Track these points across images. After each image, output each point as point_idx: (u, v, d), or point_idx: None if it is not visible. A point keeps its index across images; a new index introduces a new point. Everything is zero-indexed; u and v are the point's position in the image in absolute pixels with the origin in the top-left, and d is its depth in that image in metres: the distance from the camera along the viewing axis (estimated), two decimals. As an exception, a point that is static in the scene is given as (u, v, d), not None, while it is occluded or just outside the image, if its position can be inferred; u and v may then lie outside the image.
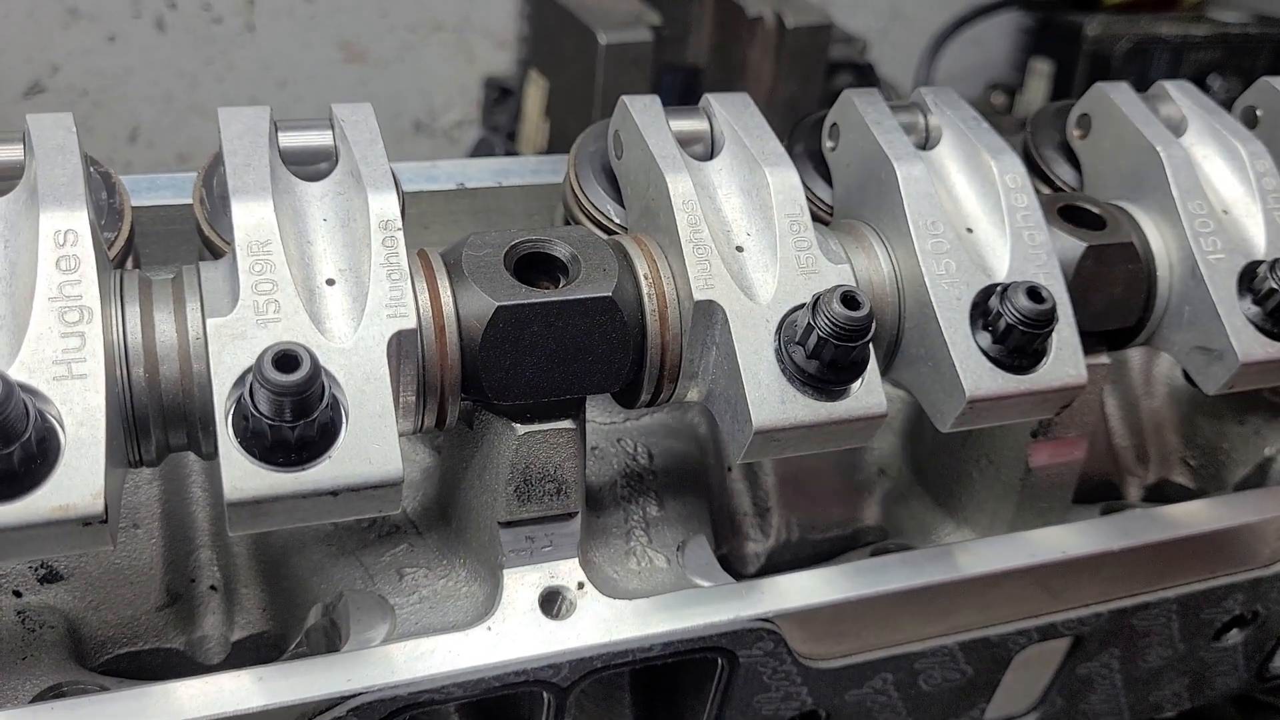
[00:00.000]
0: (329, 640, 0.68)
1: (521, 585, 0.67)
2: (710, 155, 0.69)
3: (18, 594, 0.70)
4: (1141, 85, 2.64)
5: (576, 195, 0.74)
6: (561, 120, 1.41)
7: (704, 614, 0.68)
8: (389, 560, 0.70)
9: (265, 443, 0.53)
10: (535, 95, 2.00)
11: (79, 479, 0.51)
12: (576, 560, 0.68)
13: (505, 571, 0.67)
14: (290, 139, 0.63)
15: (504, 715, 0.78)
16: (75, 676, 0.67)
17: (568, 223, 0.77)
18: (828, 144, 0.76)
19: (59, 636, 0.69)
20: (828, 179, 0.77)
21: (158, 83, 1.90)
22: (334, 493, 0.55)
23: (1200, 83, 2.43)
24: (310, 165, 0.63)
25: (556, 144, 1.87)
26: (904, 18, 2.44)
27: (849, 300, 0.60)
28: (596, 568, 0.70)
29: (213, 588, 0.75)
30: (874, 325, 0.61)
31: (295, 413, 0.52)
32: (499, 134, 2.03)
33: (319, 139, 0.63)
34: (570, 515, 0.67)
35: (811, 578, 0.71)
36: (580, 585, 0.67)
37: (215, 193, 0.67)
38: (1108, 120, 0.79)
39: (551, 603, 0.67)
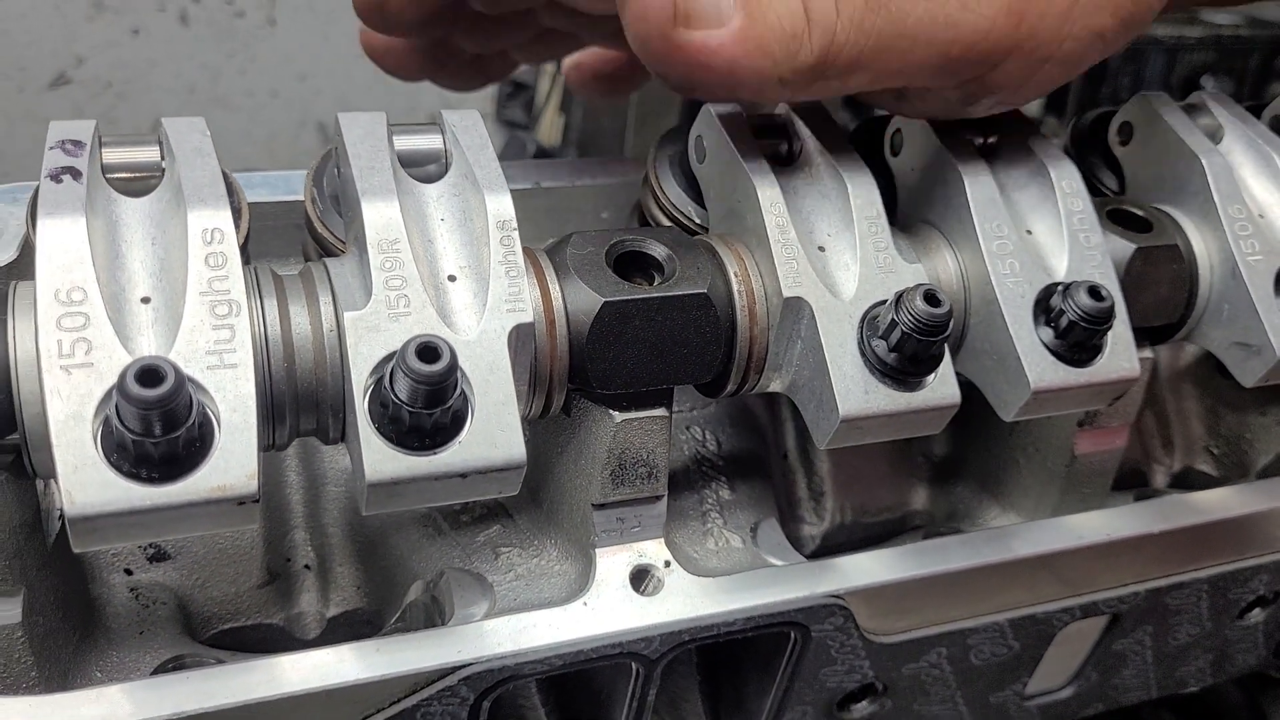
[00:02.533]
0: (429, 616, 0.72)
1: (613, 564, 0.71)
2: (790, 162, 0.73)
3: (129, 572, 0.74)
4: (1136, 86, 2.71)
5: (657, 196, 0.78)
6: (595, 120, 1.44)
7: (780, 591, 0.73)
8: (484, 540, 0.74)
9: (402, 428, 0.57)
10: (546, 88, 2.04)
11: (234, 461, 0.55)
12: (663, 540, 0.72)
13: (597, 551, 0.71)
14: (404, 142, 0.66)
15: (578, 690, 0.83)
16: (191, 649, 0.71)
17: (644, 222, 0.81)
18: (890, 151, 0.80)
19: (171, 612, 0.73)
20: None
21: (180, 75, 1.93)
22: (463, 475, 0.59)
23: (1193, 84, 2.50)
24: (420, 167, 0.67)
25: (570, 138, 1.92)
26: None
27: (931, 298, 0.65)
28: (679, 548, 0.74)
29: (307, 566, 0.79)
30: (952, 322, 0.65)
31: (433, 400, 0.56)
32: (515, 128, 2.07)
33: (429, 142, 0.67)
34: (658, 498, 0.72)
35: (877, 558, 0.76)
36: (667, 564, 0.72)
37: (326, 191, 0.71)
38: (1150, 128, 0.84)
39: (641, 580, 0.71)
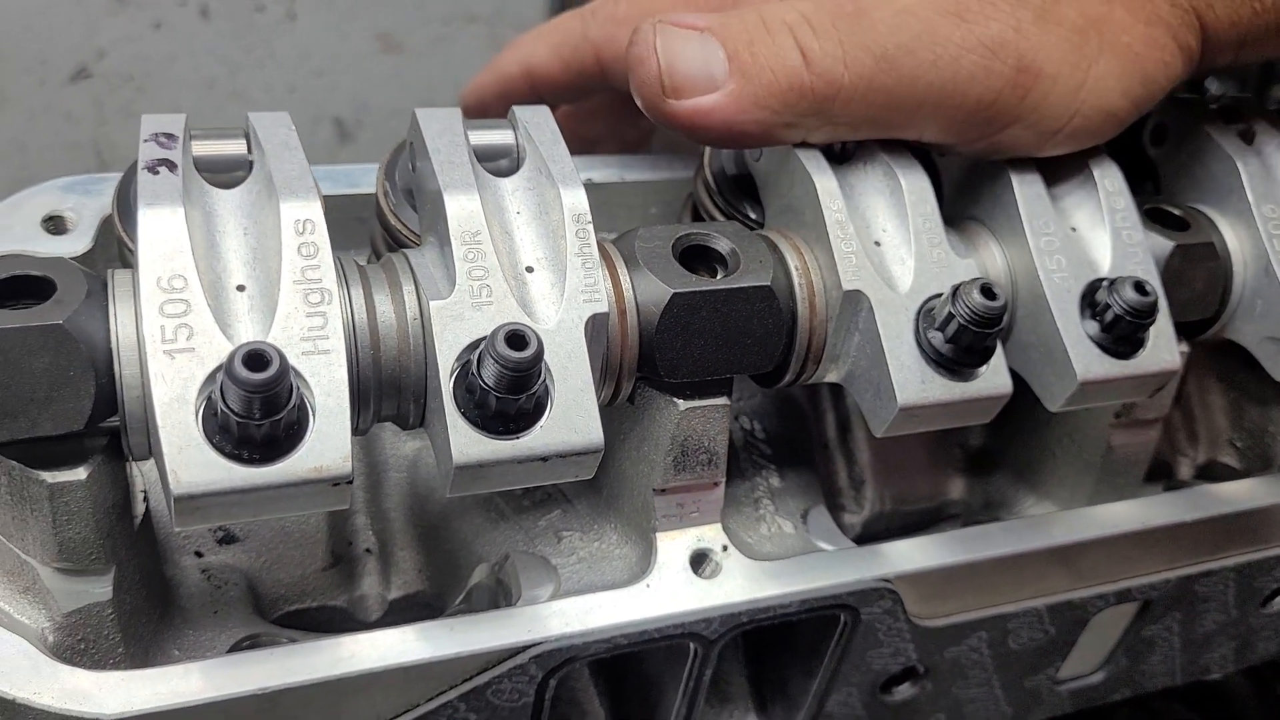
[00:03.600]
0: (494, 598, 0.74)
1: (673, 547, 0.73)
2: (845, 159, 0.76)
3: (199, 554, 0.76)
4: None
5: (712, 192, 0.80)
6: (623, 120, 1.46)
7: (832, 575, 0.75)
8: (545, 525, 0.76)
9: (487, 413, 0.59)
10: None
11: (330, 444, 0.57)
12: (720, 525, 0.75)
13: (657, 535, 0.73)
14: (477, 137, 0.68)
15: (629, 674, 0.85)
16: (264, 629, 0.73)
17: (698, 217, 0.83)
18: (937, 150, 0.82)
19: (241, 593, 0.75)
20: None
21: (200, 69, 1.94)
22: (544, 458, 0.61)
23: (1197, 84, 2.53)
24: (493, 161, 0.69)
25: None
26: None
27: (987, 291, 0.67)
28: (734, 533, 0.76)
29: (368, 550, 0.81)
30: (1007, 314, 0.68)
31: (518, 386, 0.59)
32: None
33: (502, 137, 0.69)
34: (716, 484, 0.74)
35: (924, 543, 0.79)
36: (724, 548, 0.74)
37: (398, 185, 0.73)
38: (1185, 131, 0.87)
39: (700, 563, 0.73)
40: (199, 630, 0.72)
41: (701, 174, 0.81)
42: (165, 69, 1.91)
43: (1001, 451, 0.94)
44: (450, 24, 2.09)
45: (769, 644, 0.87)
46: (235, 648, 0.71)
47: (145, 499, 0.67)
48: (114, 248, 0.75)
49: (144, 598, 0.68)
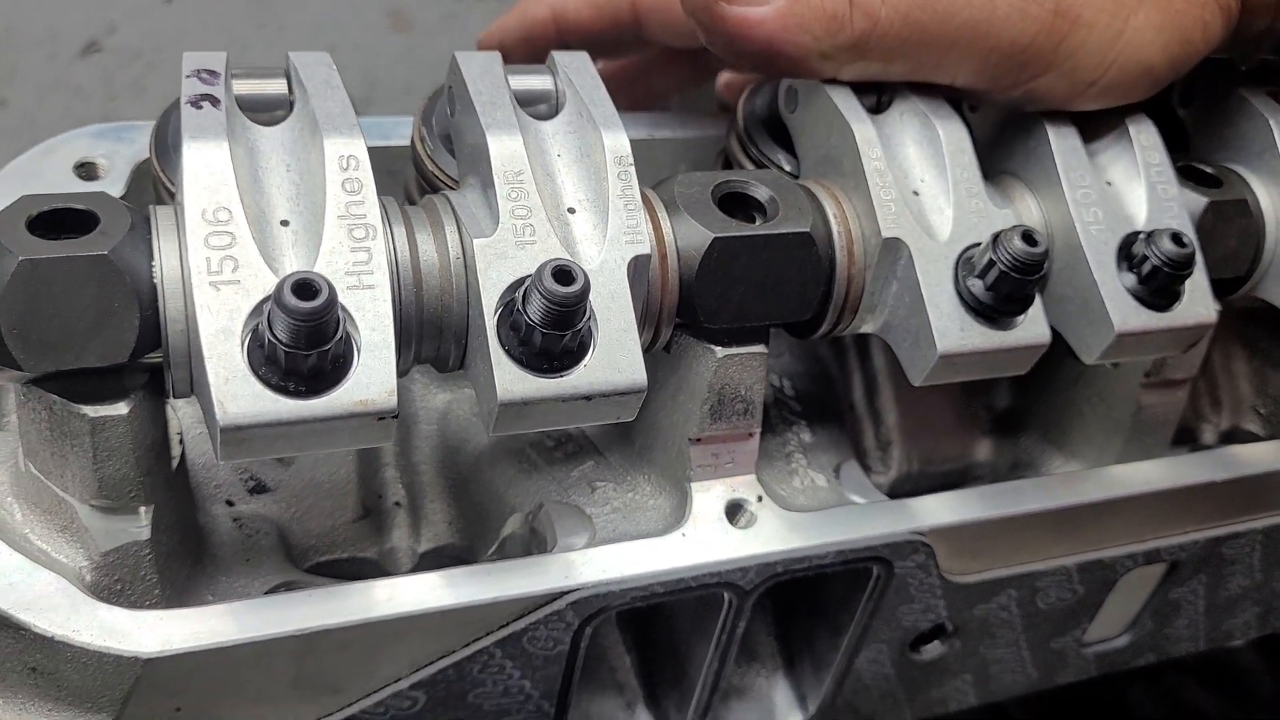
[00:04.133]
0: (527, 547, 0.74)
1: (708, 497, 0.73)
2: (878, 109, 0.75)
3: (230, 503, 0.76)
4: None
5: (745, 144, 0.80)
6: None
7: (866, 527, 0.75)
8: (578, 475, 0.76)
9: (532, 350, 0.59)
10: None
11: (375, 377, 0.57)
12: (754, 476, 0.74)
13: (692, 485, 0.73)
14: (517, 82, 0.68)
15: (657, 627, 0.85)
16: (296, 576, 0.73)
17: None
18: (969, 103, 0.82)
19: (274, 542, 0.74)
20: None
21: (211, 45, 1.92)
22: (588, 397, 0.61)
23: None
24: (531, 106, 0.68)
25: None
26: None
27: (1029, 238, 0.67)
28: (767, 485, 0.76)
29: (397, 504, 0.80)
30: (1047, 262, 0.68)
31: (564, 323, 0.58)
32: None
33: (541, 82, 0.69)
34: (751, 434, 0.74)
35: (957, 498, 0.78)
36: (759, 498, 0.74)
37: (435, 131, 0.73)
38: (1215, 92, 0.87)
39: (735, 513, 0.73)
40: (232, 577, 0.71)
41: (735, 126, 0.81)
42: (176, 44, 1.90)
43: (1028, 412, 0.94)
44: (462, 1, 2.08)
45: (795, 601, 0.87)
46: (270, 594, 0.71)
47: (181, 442, 0.67)
48: (148, 195, 0.74)
49: (179, 541, 0.68)
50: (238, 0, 1.93)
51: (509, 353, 0.59)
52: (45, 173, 0.74)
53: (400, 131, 0.82)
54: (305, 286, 0.53)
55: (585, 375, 0.60)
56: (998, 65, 0.71)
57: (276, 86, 0.64)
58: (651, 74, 1.05)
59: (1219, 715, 1.44)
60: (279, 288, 0.53)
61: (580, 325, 0.59)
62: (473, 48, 2.13)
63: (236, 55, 2.01)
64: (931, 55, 0.70)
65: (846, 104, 0.72)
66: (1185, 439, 1.02)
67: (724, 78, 1.10)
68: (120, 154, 0.76)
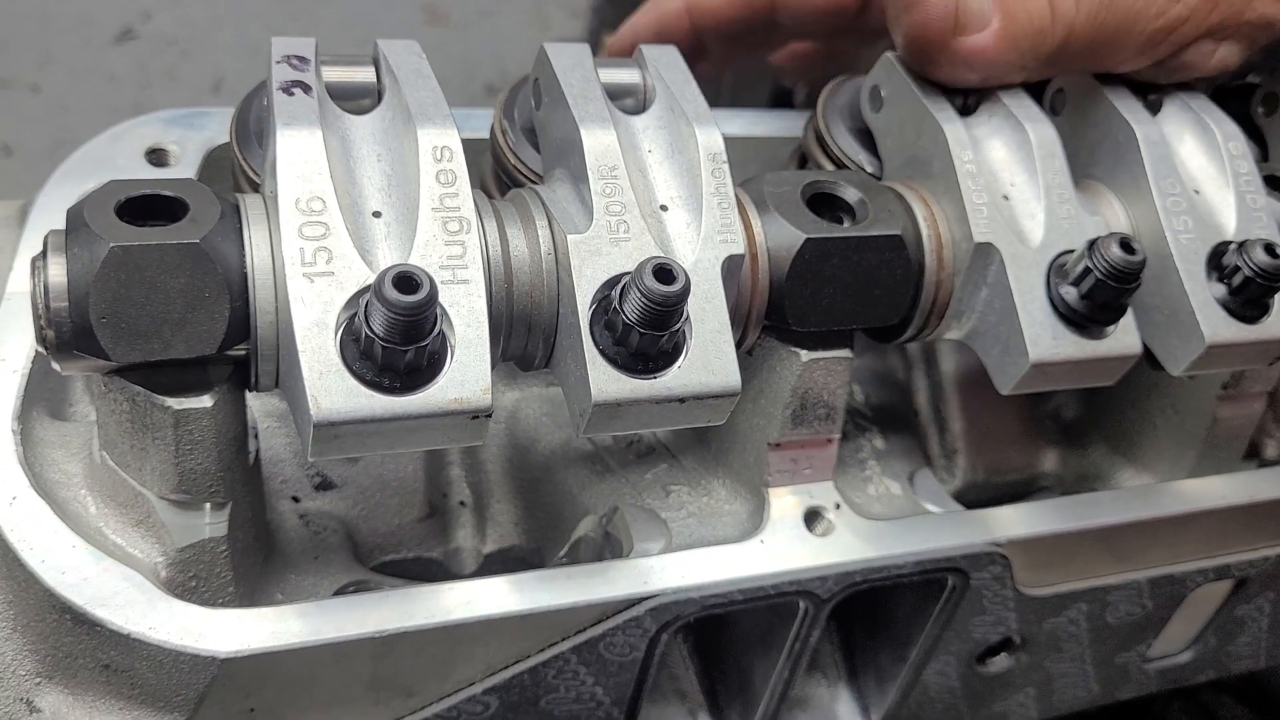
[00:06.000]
0: (599, 552, 0.73)
1: (785, 504, 0.72)
2: (964, 111, 0.74)
3: (295, 499, 0.74)
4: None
5: (826, 144, 0.78)
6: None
7: (944, 537, 0.73)
8: (652, 478, 0.75)
9: (628, 351, 0.58)
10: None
11: (470, 375, 0.55)
12: (832, 483, 0.73)
13: (770, 491, 0.72)
14: (605, 75, 0.66)
15: (720, 635, 0.83)
16: (366, 576, 0.71)
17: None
18: (1051, 107, 0.81)
19: (341, 540, 0.73)
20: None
21: (244, 35, 1.92)
22: (681, 400, 0.59)
23: (1243, 77, 2.52)
24: (618, 100, 0.67)
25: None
26: None
27: (1126, 245, 0.66)
28: (843, 492, 0.74)
29: (462, 503, 0.79)
30: (1143, 270, 0.66)
31: (662, 323, 0.57)
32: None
33: (630, 76, 0.68)
34: (831, 440, 0.72)
35: (1033, 509, 0.77)
36: (837, 506, 0.72)
37: (518, 123, 0.71)
38: (1300, 99, 0.85)
39: (813, 521, 0.72)
40: (301, 575, 0.70)
41: (814, 126, 0.80)
42: (210, 33, 1.89)
43: (1096, 422, 0.93)
44: (496, -3, 2.08)
45: (859, 610, 0.86)
46: (339, 593, 0.69)
47: (256, 436, 0.65)
48: (219, 182, 0.73)
49: (253, 537, 0.66)
50: (272, -10, 1.93)
51: (603, 352, 0.58)
52: (116, 158, 0.72)
53: (473, 123, 0.80)
54: (407, 280, 0.52)
55: (680, 377, 0.59)
56: (1161, 43, 0.72)
57: (365, 74, 0.63)
58: (711, 50, 1.04)
59: (1256, 733, 1.42)
60: (379, 280, 0.51)
61: (677, 326, 0.58)
62: (507, 43, 2.12)
63: (269, 47, 1.98)
64: (1106, 51, 0.72)
65: (936, 105, 0.71)
66: (1249, 453, 1.00)
67: (790, 49, 1.09)
68: (191, 140, 0.74)
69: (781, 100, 1.74)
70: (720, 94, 1.41)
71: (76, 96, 1.87)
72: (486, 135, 0.75)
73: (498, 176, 0.73)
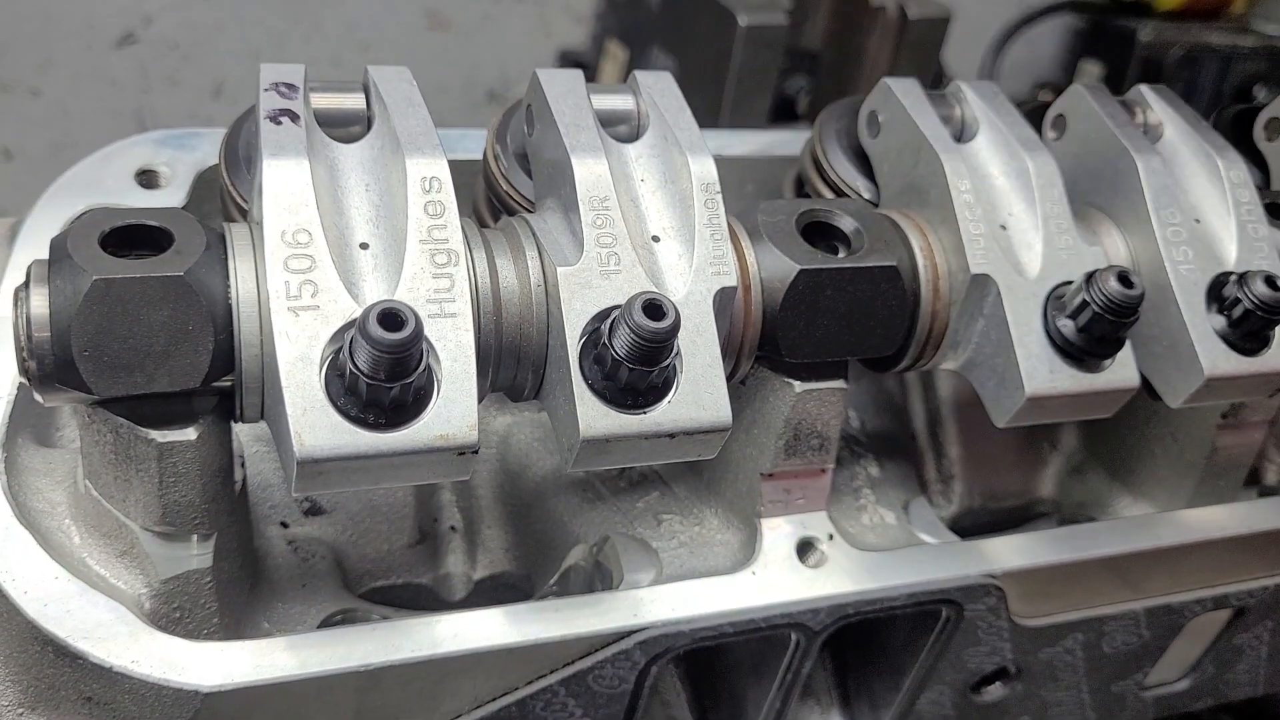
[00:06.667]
0: (590, 581, 0.72)
1: (778, 534, 0.71)
2: (961, 138, 0.73)
3: (284, 525, 0.74)
4: (1190, 93, 2.68)
5: (823, 169, 0.77)
6: (687, 97, 1.44)
7: (939, 568, 0.73)
8: (644, 506, 0.74)
9: (617, 385, 0.57)
10: (612, 69, 2.03)
11: (456, 411, 0.54)
12: (825, 513, 0.72)
13: (762, 521, 0.71)
14: (599, 101, 0.66)
15: (713, 664, 0.82)
16: (353, 604, 0.71)
17: (802, 195, 0.81)
18: (1050, 134, 0.80)
19: (329, 566, 0.72)
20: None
21: (246, 39, 1.92)
22: (671, 435, 0.58)
23: (1246, 92, 2.51)
24: (611, 127, 0.66)
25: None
26: (961, 13, 2.48)
27: (1124, 279, 0.65)
28: (836, 522, 0.74)
29: (453, 528, 0.78)
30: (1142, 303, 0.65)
31: (652, 358, 0.56)
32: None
33: (624, 103, 0.67)
34: (825, 470, 0.72)
35: (1029, 540, 0.76)
36: (830, 536, 0.72)
37: (510, 149, 0.70)
38: (1303, 124, 0.84)
39: (806, 552, 0.71)
40: (288, 603, 0.69)
41: (811, 150, 0.79)
42: (211, 38, 1.89)
43: (1095, 449, 0.92)
44: (499, 3, 2.06)
45: (854, 642, 0.85)
46: (326, 622, 0.69)
47: (243, 465, 0.65)
48: (209, 204, 0.72)
49: (239, 566, 0.65)
50: (275, -5, 1.92)
51: (591, 386, 0.57)
52: (106, 180, 0.72)
53: (466, 145, 0.80)
54: (391, 317, 0.51)
55: (669, 412, 0.58)
56: None
57: (355, 101, 0.62)
58: None
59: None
60: (364, 317, 0.51)
61: (667, 361, 0.57)
62: (510, 48, 2.11)
63: (272, 51, 1.98)
64: None
65: (934, 132, 0.70)
66: (1249, 480, 0.99)
67: None
68: (182, 161, 0.74)
69: (784, 108, 1.74)
70: (723, 102, 1.41)
71: (77, 101, 1.86)
72: (480, 156, 0.74)
73: (489, 201, 0.72)
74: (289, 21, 1.92)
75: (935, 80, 1.74)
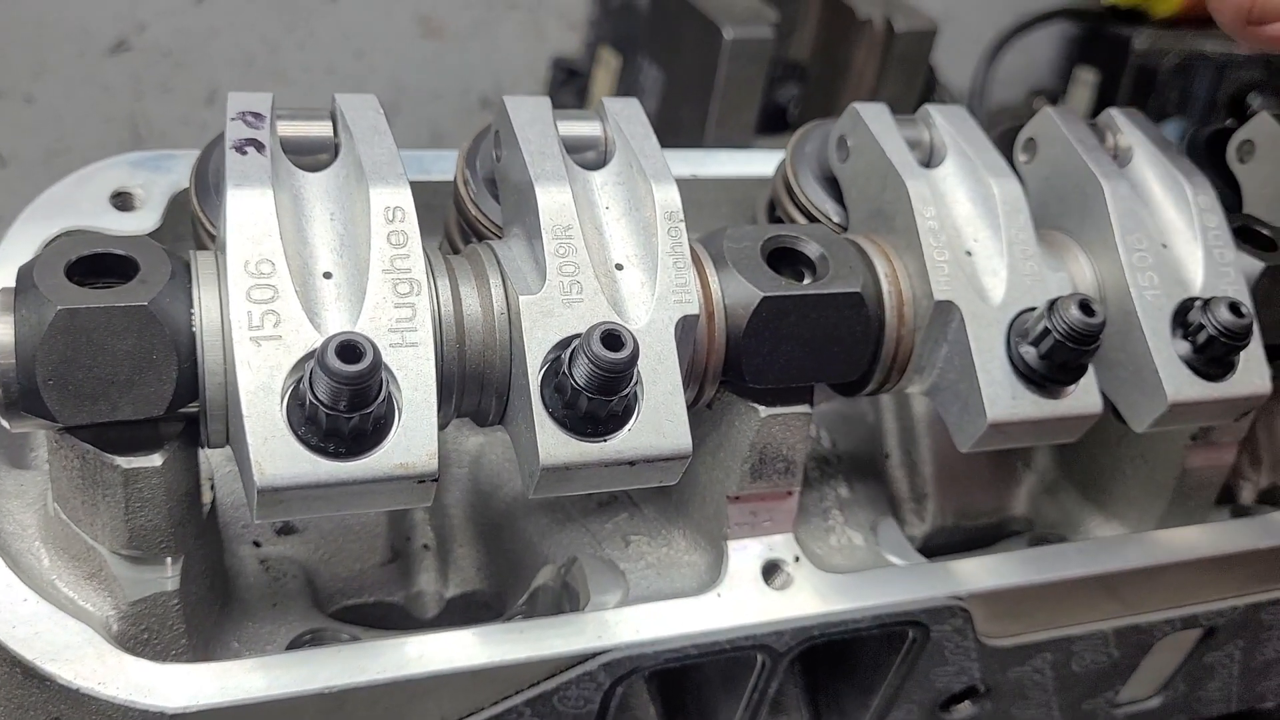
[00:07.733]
0: (558, 601, 0.73)
1: (744, 556, 0.71)
2: (929, 163, 0.74)
3: (257, 544, 0.74)
4: (1185, 100, 2.67)
5: (794, 193, 0.78)
6: (675, 109, 1.45)
7: (905, 590, 0.73)
8: (613, 528, 0.75)
9: (577, 414, 0.58)
10: (605, 77, 2.04)
11: (416, 439, 0.55)
12: (792, 535, 0.73)
13: (728, 543, 0.71)
14: (565, 128, 0.66)
15: (684, 682, 0.83)
16: (324, 624, 0.71)
17: (775, 219, 0.81)
18: (1021, 157, 0.80)
19: (300, 585, 0.73)
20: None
21: (240, 46, 1.92)
22: (631, 463, 0.59)
23: (1240, 101, 2.51)
24: (579, 153, 0.67)
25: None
26: (955, 20, 2.48)
27: (1085, 307, 0.65)
28: (804, 543, 0.74)
29: (425, 546, 0.79)
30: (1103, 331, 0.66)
31: (612, 388, 0.57)
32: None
33: (590, 129, 0.67)
34: (791, 493, 0.72)
35: (997, 561, 0.77)
36: (796, 559, 0.72)
37: (480, 174, 0.71)
38: (1274, 147, 0.85)
39: (772, 574, 0.71)
40: (258, 623, 0.70)
41: (782, 174, 0.79)
42: (205, 44, 1.89)
43: (1067, 469, 0.92)
44: (493, 9, 2.07)
45: (825, 658, 0.85)
46: (295, 642, 0.70)
47: (212, 487, 0.66)
48: (183, 225, 0.73)
49: (208, 588, 0.66)
50: (268, 2, 1.92)
51: (552, 415, 0.58)
52: (81, 202, 0.72)
53: (440, 166, 0.81)
54: (349, 349, 0.52)
55: (629, 440, 0.59)
56: None
57: (322, 129, 0.63)
58: None
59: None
60: (322, 349, 0.52)
61: (626, 390, 0.58)
62: (504, 55, 2.12)
63: (266, 58, 1.98)
64: None
65: (900, 158, 0.71)
66: (1223, 498, 0.99)
67: None
68: (157, 184, 0.74)
69: (776, 116, 1.74)
70: (709, 114, 1.41)
71: (71, 107, 1.87)
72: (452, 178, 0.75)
73: (460, 225, 0.73)
74: (283, 29, 1.92)
75: (927, 90, 1.74)
